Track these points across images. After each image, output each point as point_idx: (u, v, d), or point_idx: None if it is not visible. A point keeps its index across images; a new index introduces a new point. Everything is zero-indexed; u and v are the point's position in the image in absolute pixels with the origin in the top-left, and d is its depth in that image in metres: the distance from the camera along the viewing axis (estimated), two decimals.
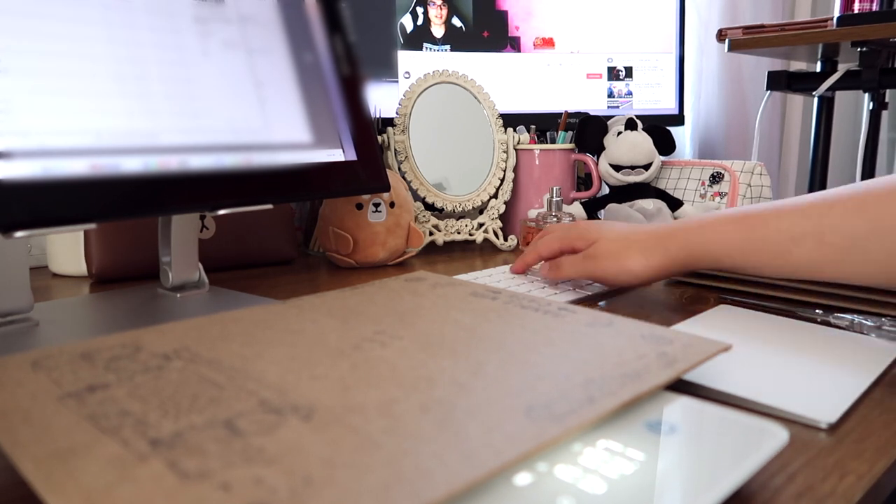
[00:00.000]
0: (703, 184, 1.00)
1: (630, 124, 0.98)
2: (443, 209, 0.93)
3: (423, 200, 0.93)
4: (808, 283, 0.62)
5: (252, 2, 0.61)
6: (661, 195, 0.97)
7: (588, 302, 0.65)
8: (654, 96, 1.20)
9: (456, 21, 1.06)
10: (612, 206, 0.88)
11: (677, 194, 1.01)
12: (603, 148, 0.99)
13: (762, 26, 1.26)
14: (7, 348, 0.50)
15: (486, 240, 0.97)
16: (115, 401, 0.30)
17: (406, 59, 1.03)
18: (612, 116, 1.03)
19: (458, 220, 0.95)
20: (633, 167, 0.96)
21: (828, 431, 0.37)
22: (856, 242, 0.50)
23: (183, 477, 0.24)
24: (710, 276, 0.69)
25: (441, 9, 1.04)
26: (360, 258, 0.81)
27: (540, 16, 1.11)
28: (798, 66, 1.55)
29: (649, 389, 0.33)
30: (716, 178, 1.00)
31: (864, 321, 0.54)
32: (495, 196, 0.98)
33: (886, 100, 1.39)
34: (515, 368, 0.35)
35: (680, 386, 0.42)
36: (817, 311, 0.59)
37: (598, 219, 1.09)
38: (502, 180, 0.98)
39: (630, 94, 1.18)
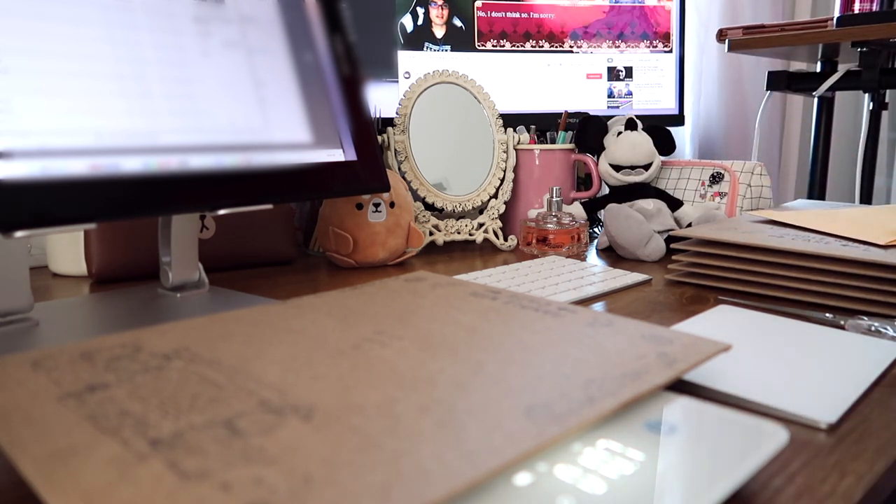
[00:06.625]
0: (703, 184, 1.00)
1: (630, 124, 0.98)
2: (443, 209, 0.93)
3: (423, 200, 0.93)
4: (808, 282, 0.63)
5: (252, 2, 0.61)
6: (661, 195, 0.97)
7: (588, 302, 0.65)
8: (654, 96, 1.20)
9: (456, 21, 1.06)
10: (611, 206, 0.88)
11: (677, 194, 1.01)
12: (603, 148, 0.99)
13: (762, 26, 1.26)
14: (7, 348, 0.50)
15: (486, 240, 0.97)
16: (115, 401, 0.30)
17: (406, 59, 1.03)
18: (612, 116, 1.03)
19: (458, 220, 0.95)
20: (633, 167, 0.96)
21: (828, 431, 0.37)
22: None
23: (183, 477, 0.24)
24: (711, 277, 0.69)
25: (442, 9, 1.04)
26: (360, 258, 0.81)
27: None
28: (798, 66, 1.55)
29: (649, 389, 0.33)
30: (716, 179, 1.00)
31: (862, 321, 0.54)
32: (495, 196, 0.98)
33: (886, 100, 1.39)
34: (515, 368, 0.35)
35: (680, 386, 0.42)
36: (827, 314, 0.59)
37: (598, 219, 1.09)
38: (502, 180, 0.98)
39: (630, 94, 1.18)
